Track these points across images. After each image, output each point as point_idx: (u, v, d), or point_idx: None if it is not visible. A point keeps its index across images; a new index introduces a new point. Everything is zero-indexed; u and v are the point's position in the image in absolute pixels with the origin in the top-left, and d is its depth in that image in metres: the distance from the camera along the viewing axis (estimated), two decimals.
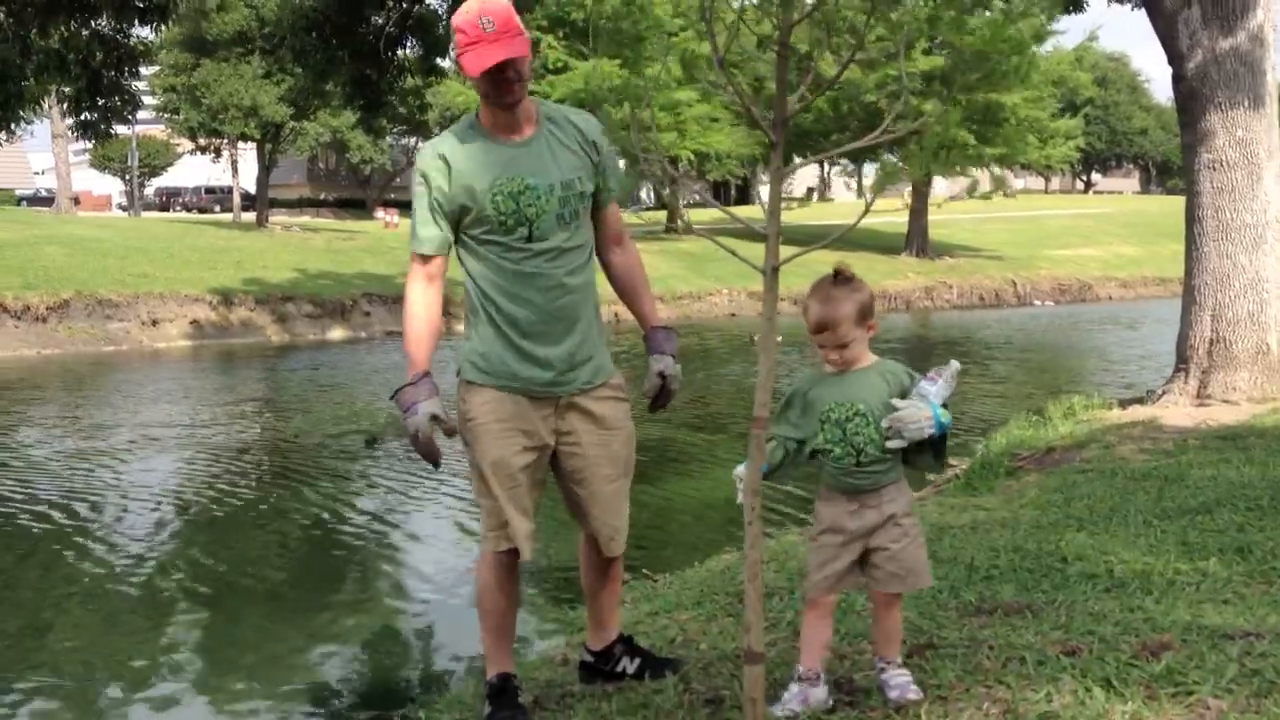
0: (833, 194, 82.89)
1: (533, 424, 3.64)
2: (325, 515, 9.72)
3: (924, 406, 3.13)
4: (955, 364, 3.22)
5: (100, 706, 5.91)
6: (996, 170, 41.97)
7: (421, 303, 3.69)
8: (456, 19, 3.47)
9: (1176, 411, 9.64)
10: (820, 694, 3.30)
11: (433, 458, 3.64)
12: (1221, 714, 3.00)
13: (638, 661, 4.00)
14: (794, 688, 3.32)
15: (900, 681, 3.28)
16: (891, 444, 3.17)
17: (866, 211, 2.89)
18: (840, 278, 3.17)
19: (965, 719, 3.12)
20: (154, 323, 24.16)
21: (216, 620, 7.20)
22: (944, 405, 3.17)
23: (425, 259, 3.67)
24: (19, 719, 5.70)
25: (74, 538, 9.01)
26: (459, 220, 3.62)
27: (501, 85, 3.50)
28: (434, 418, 3.57)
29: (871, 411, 3.17)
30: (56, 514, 9.70)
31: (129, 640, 6.85)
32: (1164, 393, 10.33)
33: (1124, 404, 10.79)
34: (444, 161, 3.58)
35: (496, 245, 3.60)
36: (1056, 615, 4.09)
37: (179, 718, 5.82)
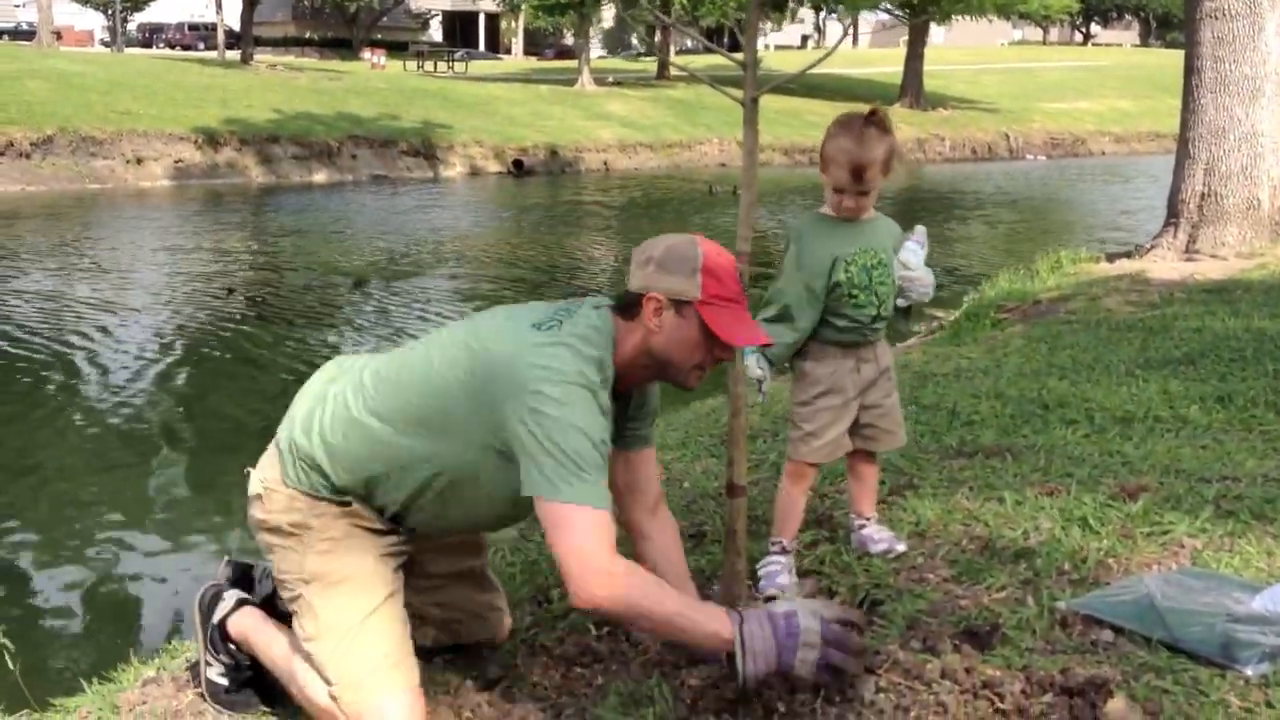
0: (828, 43, 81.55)
1: None
2: (310, 355, 9.73)
3: (928, 271, 3.09)
4: (922, 228, 3.16)
5: (84, 542, 5.99)
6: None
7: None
8: (708, 254, 2.54)
9: (1164, 265, 9.63)
10: (791, 563, 3.23)
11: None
12: (1195, 552, 3.05)
13: None
14: (780, 560, 3.18)
15: (884, 536, 3.28)
16: (898, 302, 3.10)
17: (845, 35, 2.82)
18: (874, 117, 2.97)
19: (943, 554, 3.17)
20: (138, 161, 23.84)
21: (200, 459, 7.26)
22: None
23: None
24: (4, 554, 5.78)
25: (56, 376, 9.03)
26: None
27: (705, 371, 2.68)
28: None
29: (890, 263, 3.06)
30: (39, 353, 9.70)
31: (112, 478, 6.92)
32: (1152, 247, 10.31)
33: (1111, 258, 10.78)
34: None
35: None
36: (1036, 458, 4.13)
37: (162, 552, 5.92)
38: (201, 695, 3.00)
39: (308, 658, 2.66)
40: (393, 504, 2.65)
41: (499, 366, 2.45)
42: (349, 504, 2.65)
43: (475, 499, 2.61)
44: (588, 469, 2.38)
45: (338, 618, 2.62)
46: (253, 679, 2.96)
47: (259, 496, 2.71)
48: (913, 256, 3.09)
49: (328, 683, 2.62)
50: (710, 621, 2.40)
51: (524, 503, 2.46)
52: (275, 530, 2.68)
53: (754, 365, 3.02)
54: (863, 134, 2.94)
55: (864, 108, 3.00)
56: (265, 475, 2.72)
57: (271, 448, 2.76)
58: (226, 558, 3.25)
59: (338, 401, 2.67)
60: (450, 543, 2.88)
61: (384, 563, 2.68)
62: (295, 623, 2.70)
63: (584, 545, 2.35)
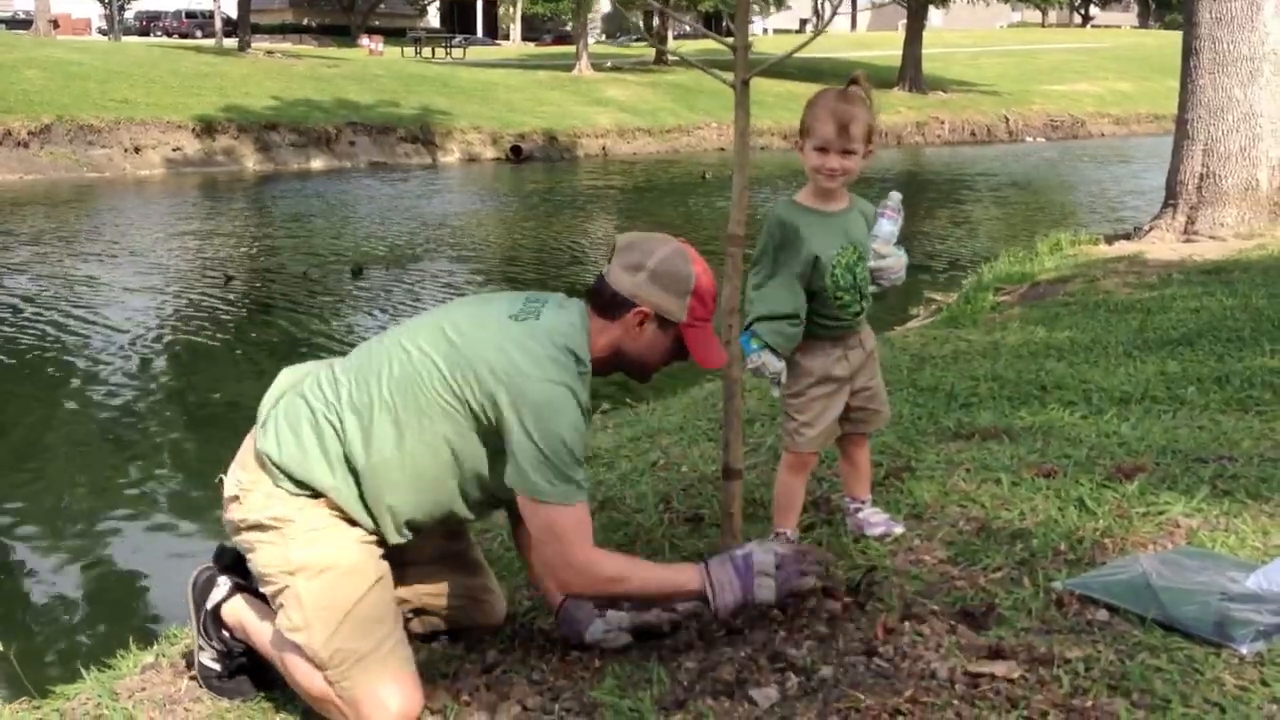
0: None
1: None
2: (310, 342, 9.74)
3: (900, 254, 3.09)
4: (897, 194, 3.13)
5: (84, 528, 5.99)
6: None
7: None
8: (699, 276, 2.72)
9: (1163, 247, 9.63)
10: None
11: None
12: (1191, 532, 3.06)
13: None
14: None
15: (881, 519, 3.28)
16: (871, 289, 3.11)
17: (833, 15, 2.81)
18: (856, 83, 2.95)
19: (940, 535, 3.18)
20: (136, 149, 23.80)
21: (199, 445, 7.26)
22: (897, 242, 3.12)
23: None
24: (3, 540, 5.79)
25: (55, 362, 9.03)
26: None
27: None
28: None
29: (867, 253, 3.06)
30: (35, 341, 9.70)
31: (113, 463, 6.92)
32: (1151, 228, 10.30)
33: (1110, 239, 10.77)
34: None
35: None
36: (1033, 440, 4.14)
37: (161, 538, 5.92)
38: (196, 679, 3.00)
39: (297, 648, 2.64)
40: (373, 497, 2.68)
41: (482, 350, 2.58)
42: (326, 496, 2.67)
43: (449, 485, 2.69)
44: (572, 467, 2.56)
45: (328, 604, 2.60)
46: (246, 665, 2.94)
47: (235, 498, 2.72)
48: (884, 233, 3.07)
49: (321, 668, 2.61)
50: (679, 577, 2.74)
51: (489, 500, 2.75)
52: (256, 527, 2.67)
53: (773, 361, 3.00)
54: (847, 93, 2.93)
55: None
56: (240, 477, 2.73)
57: (243, 453, 2.78)
58: (221, 544, 3.24)
59: (315, 404, 2.71)
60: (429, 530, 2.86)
61: (367, 549, 2.68)
62: (281, 616, 2.67)
63: (566, 543, 2.59)
